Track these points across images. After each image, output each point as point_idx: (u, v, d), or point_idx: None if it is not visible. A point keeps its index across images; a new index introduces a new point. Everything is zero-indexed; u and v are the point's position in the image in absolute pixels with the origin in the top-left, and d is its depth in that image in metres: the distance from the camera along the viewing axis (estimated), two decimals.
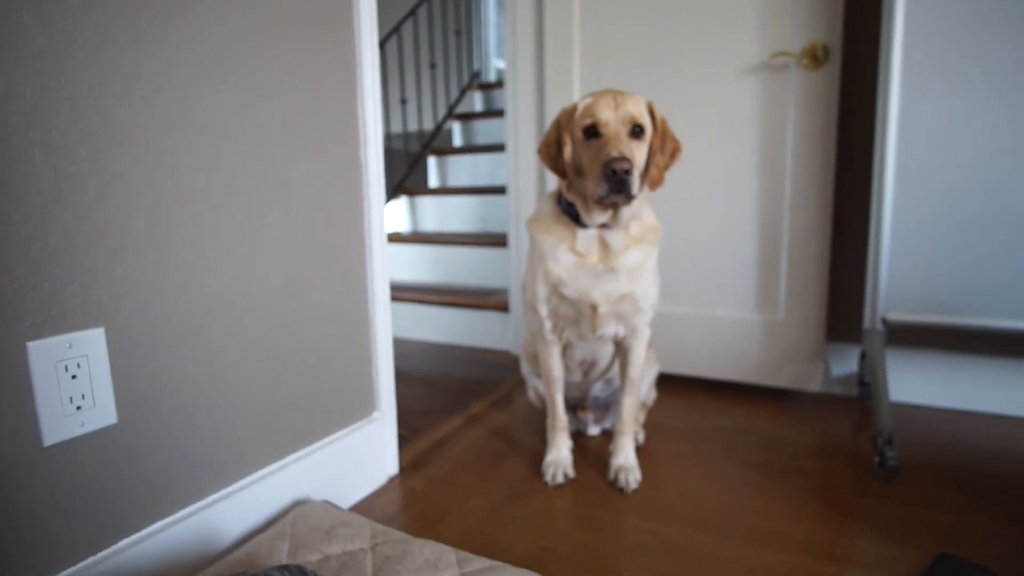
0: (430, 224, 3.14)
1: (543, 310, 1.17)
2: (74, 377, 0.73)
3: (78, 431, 0.74)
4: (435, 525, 1.09)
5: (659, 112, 1.07)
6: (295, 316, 1.04)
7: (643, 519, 1.10)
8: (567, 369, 1.29)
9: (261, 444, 0.99)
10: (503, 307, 2.27)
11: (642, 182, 1.05)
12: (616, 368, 1.36)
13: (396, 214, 3.21)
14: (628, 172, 0.93)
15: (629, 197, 0.97)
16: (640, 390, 1.29)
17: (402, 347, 2.41)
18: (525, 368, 1.47)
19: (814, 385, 1.67)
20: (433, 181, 3.50)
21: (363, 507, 1.16)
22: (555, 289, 1.12)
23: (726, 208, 1.70)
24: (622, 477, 1.20)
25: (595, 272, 1.10)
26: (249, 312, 0.95)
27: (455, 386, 1.91)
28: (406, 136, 3.52)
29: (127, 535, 0.80)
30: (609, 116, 0.99)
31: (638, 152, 1.00)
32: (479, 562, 0.81)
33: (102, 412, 0.76)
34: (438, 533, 1.06)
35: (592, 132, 1.01)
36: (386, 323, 1.24)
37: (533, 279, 1.16)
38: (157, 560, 0.82)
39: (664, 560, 0.97)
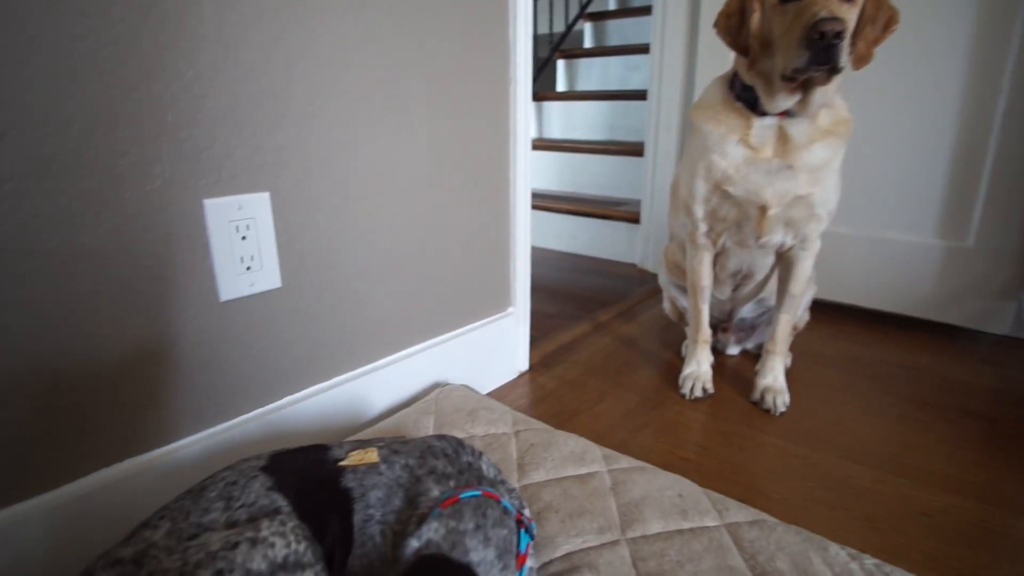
0: (555, 131, 3.01)
1: (699, 211, 1.05)
2: (244, 238, 0.75)
3: (248, 290, 0.77)
4: (566, 423, 1.07)
5: None
6: (438, 202, 1.01)
7: (791, 443, 1.02)
8: (716, 280, 1.18)
9: (405, 325, 1.00)
10: (633, 218, 2.15)
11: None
12: (769, 287, 1.24)
13: None
14: (839, 36, 0.77)
15: (833, 70, 0.81)
16: (799, 308, 1.17)
17: None
18: (663, 278, 1.38)
19: (1000, 326, 1.44)
20: (561, 85, 3.33)
21: (495, 398, 1.17)
22: (718, 187, 1.00)
23: (913, 108, 1.43)
24: (769, 398, 1.11)
25: (769, 168, 0.96)
26: (396, 192, 0.94)
27: (581, 294, 1.87)
28: (535, 39, 3.34)
29: (290, 393, 0.84)
30: None
31: (849, 16, 0.83)
32: (627, 461, 0.78)
33: (268, 275, 0.78)
34: (570, 431, 1.04)
35: None
36: (525, 218, 1.19)
37: (691, 175, 1.04)
38: (313, 419, 0.87)
39: (816, 487, 0.89)
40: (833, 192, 1.00)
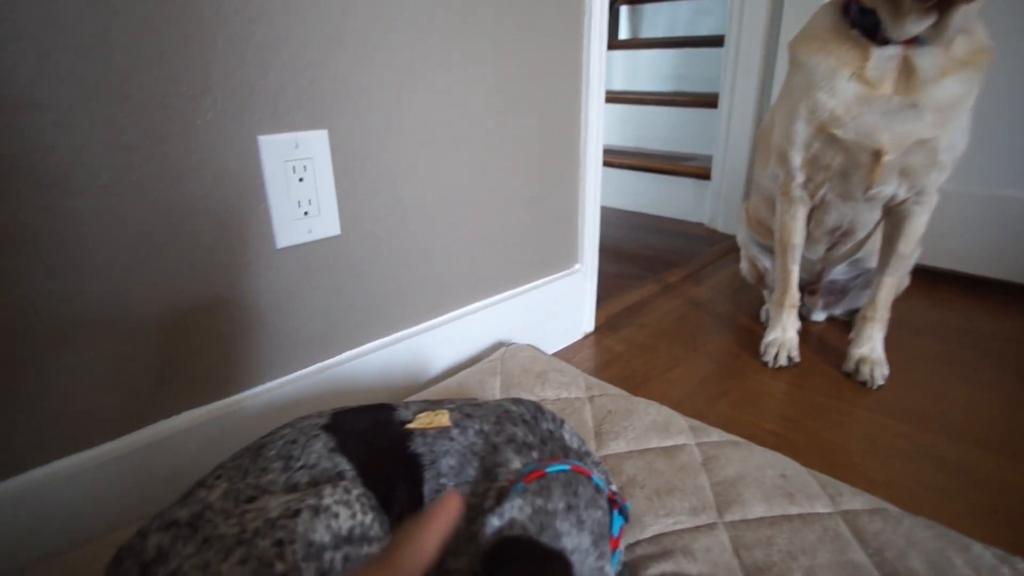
0: (617, 82, 2.85)
1: (797, 158, 0.93)
2: (301, 180, 0.69)
3: (306, 237, 0.71)
4: (638, 388, 0.99)
5: None
6: (505, 148, 0.93)
7: (892, 419, 0.91)
8: (809, 238, 1.06)
9: (468, 279, 0.94)
10: (702, 174, 2.01)
11: None
12: (867, 246, 1.11)
13: None
14: None
15: None
16: (905, 271, 1.04)
17: None
18: (743, 235, 1.26)
19: None
20: (624, 33, 3.13)
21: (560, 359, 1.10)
22: (822, 129, 0.88)
23: None
24: (865, 370, 1.00)
25: (887, 107, 0.83)
26: (462, 134, 0.86)
27: (645, 254, 1.76)
28: None
29: (350, 348, 0.80)
30: None
31: None
32: (717, 434, 0.70)
33: (327, 221, 0.73)
34: (644, 397, 0.96)
35: None
36: (596, 167, 1.09)
37: (789, 117, 0.92)
38: (374, 375, 0.82)
39: (928, 471, 0.79)
40: (962, 136, 0.86)
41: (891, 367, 1.05)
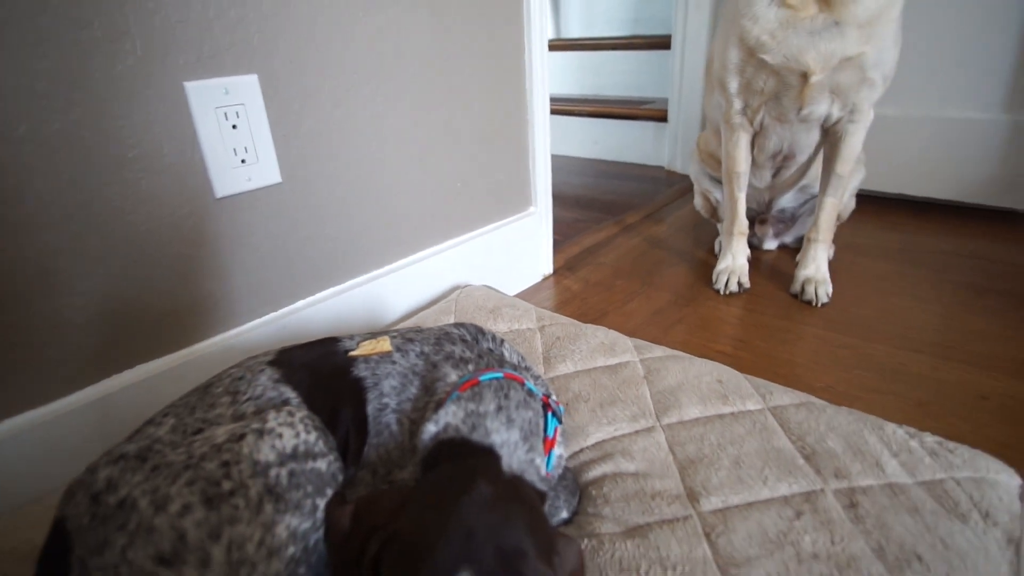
0: (574, 29, 2.81)
1: (733, 84, 0.95)
2: (234, 127, 0.69)
3: (246, 186, 0.71)
4: (595, 322, 1.02)
5: None
6: (448, 90, 0.92)
7: (837, 333, 0.95)
8: (754, 164, 1.08)
9: (421, 224, 0.94)
10: (660, 117, 2.01)
11: None
12: (811, 173, 1.14)
13: None
14: None
15: None
16: (846, 193, 1.07)
17: None
18: (695, 170, 1.28)
19: None
20: None
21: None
22: (751, 55, 0.89)
23: None
24: (810, 289, 1.04)
25: (812, 28, 0.84)
26: (402, 77, 0.85)
27: (606, 199, 1.78)
28: None
29: (303, 297, 0.81)
30: None
31: None
32: (660, 350, 0.73)
33: (266, 168, 0.72)
34: None
35: None
36: (544, 109, 1.09)
37: (724, 45, 0.93)
38: (329, 323, 0.83)
39: (865, 375, 0.83)
40: (890, 50, 0.88)
41: (837, 286, 1.09)
